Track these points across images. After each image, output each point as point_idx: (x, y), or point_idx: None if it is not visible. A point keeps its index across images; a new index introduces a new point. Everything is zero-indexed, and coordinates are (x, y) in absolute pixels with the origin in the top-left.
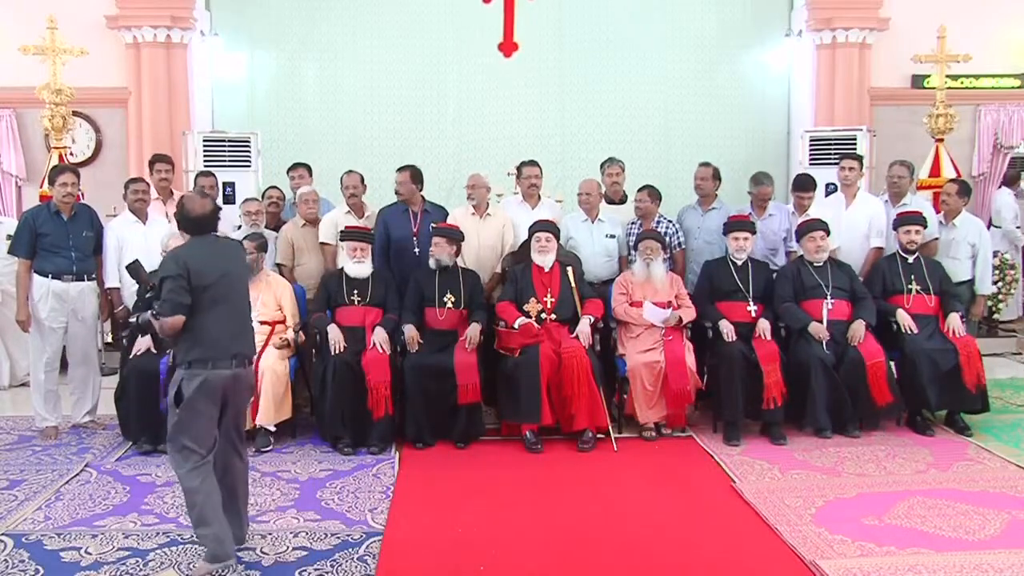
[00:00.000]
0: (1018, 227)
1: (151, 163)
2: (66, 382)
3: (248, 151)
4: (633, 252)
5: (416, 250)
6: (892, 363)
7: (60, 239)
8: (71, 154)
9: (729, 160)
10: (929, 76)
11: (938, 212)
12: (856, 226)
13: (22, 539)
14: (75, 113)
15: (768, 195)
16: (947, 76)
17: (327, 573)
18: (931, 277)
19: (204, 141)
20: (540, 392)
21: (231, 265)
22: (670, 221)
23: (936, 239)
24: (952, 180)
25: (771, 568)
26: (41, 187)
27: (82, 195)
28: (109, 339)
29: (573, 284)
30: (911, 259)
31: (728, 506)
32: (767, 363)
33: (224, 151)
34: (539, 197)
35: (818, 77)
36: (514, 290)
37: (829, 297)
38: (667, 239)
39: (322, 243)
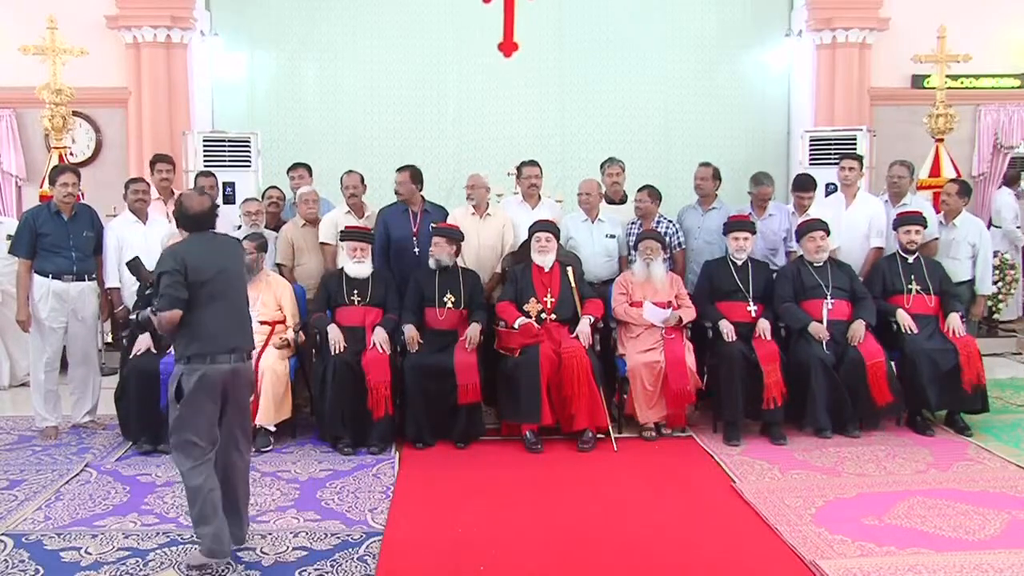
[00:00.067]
0: (1018, 227)
1: (152, 163)
2: (66, 382)
3: (248, 151)
4: (633, 252)
5: (416, 250)
6: (892, 363)
7: (60, 239)
8: (71, 154)
9: (729, 160)
10: (929, 76)
11: (938, 212)
12: (856, 226)
13: (22, 539)
14: (75, 113)
15: (768, 195)
16: (947, 76)
17: (327, 573)
18: (931, 277)
19: (204, 141)
20: (540, 392)
21: (229, 261)
22: (670, 221)
23: (936, 239)
24: (952, 180)
25: (771, 568)
26: (41, 187)
27: (82, 195)
28: (109, 339)
29: (573, 284)
30: (911, 259)
31: (728, 506)
32: (767, 363)
33: (224, 151)
34: (539, 197)
35: (818, 77)
36: (514, 290)
37: (829, 297)
38: (667, 239)
39: (322, 243)
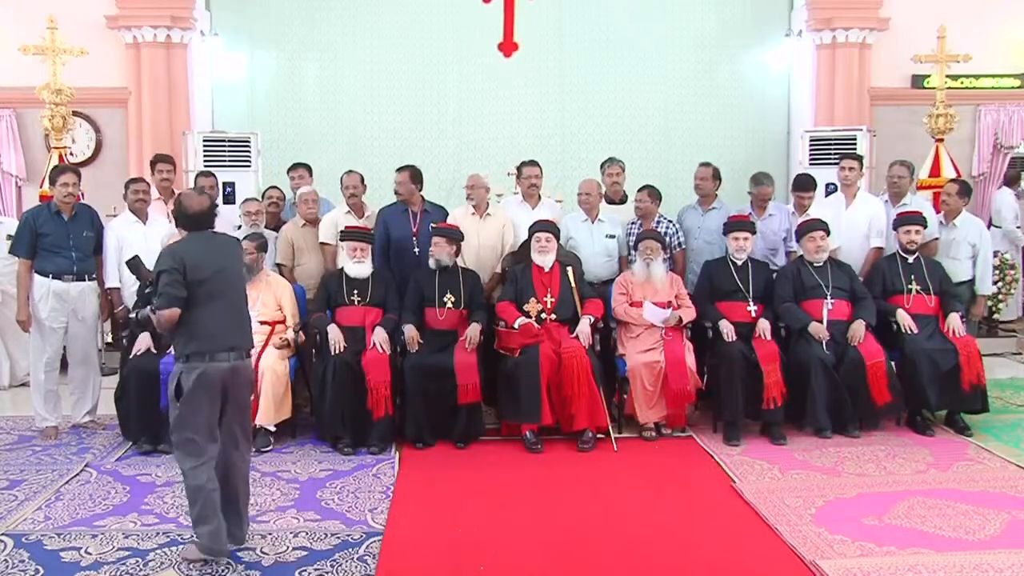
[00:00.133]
0: (1019, 227)
1: (153, 163)
2: (66, 382)
3: (248, 151)
4: (633, 252)
5: (416, 250)
6: (892, 363)
7: (61, 239)
8: (71, 154)
9: (729, 160)
10: (929, 76)
11: (938, 212)
12: (856, 226)
13: (22, 539)
14: (75, 113)
15: (768, 195)
16: (947, 76)
17: (327, 573)
18: (931, 277)
19: (204, 141)
20: (540, 392)
21: (227, 261)
22: (670, 221)
23: (936, 239)
24: (952, 180)
25: (771, 568)
26: (41, 187)
27: (82, 195)
28: (109, 339)
29: (573, 284)
30: (911, 259)
31: (728, 506)
32: (767, 363)
33: (224, 151)
34: (539, 197)
35: (818, 77)
36: (514, 290)
37: (829, 297)
38: (667, 239)
39: (322, 243)
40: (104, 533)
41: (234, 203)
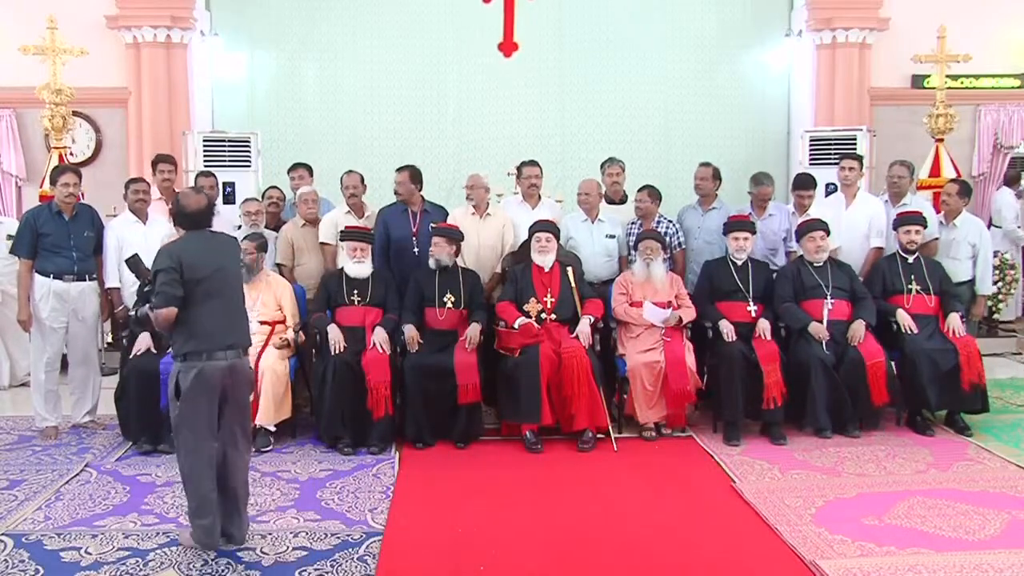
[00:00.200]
0: (1019, 226)
1: (154, 163)
2: (66, 382)
3: (248, 151)
4: (633, 252)
5: (416, 250)
6: (892, 363)
7: (61, 239)
8: (71, 154)
9: (729, 160)
10: (929, 76)
11: (938, 212)
12: (856, 226)
13: (22, 539)
14: (75, 113)
15: (768, 195)
16: (947, 76)
17: (327, 573)
18: (931, 277)
19: (204, 141)
20: (540, 392)
21: (225, 259)
22: (670, 221)
23: (936, 239)
24: (953, 180)
25: (771, 568)
26: (41, 187)
27: (82, 195)
28: (109, 339)
29: (573, 284)
30: (911, 259)
31: (728, 506)
32: (767, 363)
33: (224, 151)
34: (539, 197)
35: (818, 77)
36: (514, 290)
37: (829, 297)
38: (667, 239)
39: (322, 243)
40: (104, 533)
41: (234, 203)
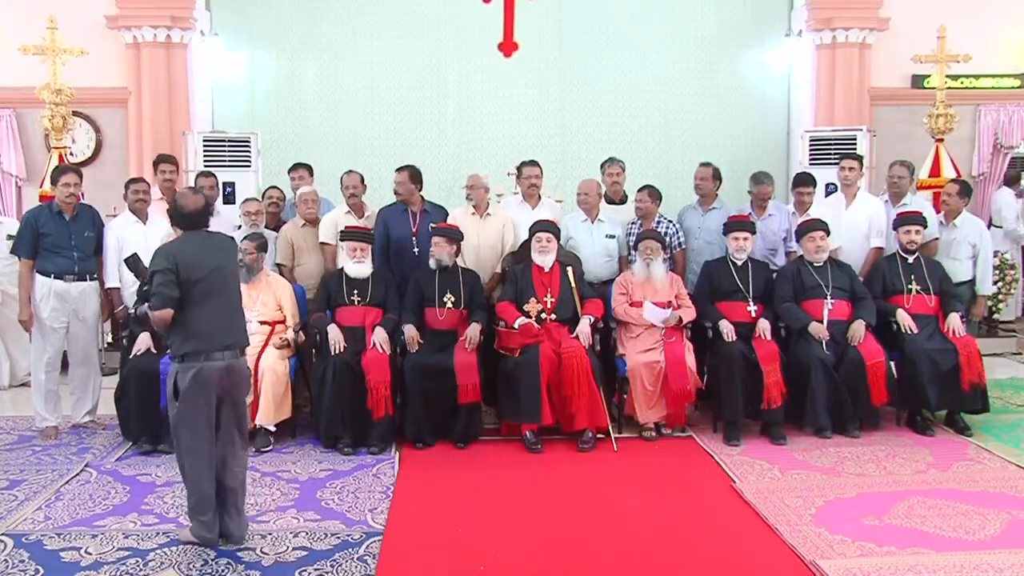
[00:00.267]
0: (1021, 226)
1: (155, 163)
2: (66, 382)
3: (248, 151)
4: (633, 252)
5: (415, 250)
6: (892, 363)
7: (62, 239)
8: (71, 154)
9: (729, 160)
10: (929, 76)
11: (938, 212)
12: (856, 226)
13: (22, 539)
14: (75, 113)
15: (768, 194)
16: (947, 76)
17: (327, 573)
18: (931, 277)
19: (204, 141)
20: (540, 392)
21: (222, 259)
22: (670, 221)
23: (936, 239)
24: (953, 180)
25: (771, 568)
26: (41, 187)
27: (82, 195)
28: (109, 339)
29: (573, 284)
30: (911, 259)
31: (728, 506)
32: (767, 363)
33: (224, 151)
34: (539, 197)
35: (818, 77)
36: (514, 290)
37: (829, 297)
38: (667, 239)
39: (322, 243)
40: (104, 533)
41: (234, 203)
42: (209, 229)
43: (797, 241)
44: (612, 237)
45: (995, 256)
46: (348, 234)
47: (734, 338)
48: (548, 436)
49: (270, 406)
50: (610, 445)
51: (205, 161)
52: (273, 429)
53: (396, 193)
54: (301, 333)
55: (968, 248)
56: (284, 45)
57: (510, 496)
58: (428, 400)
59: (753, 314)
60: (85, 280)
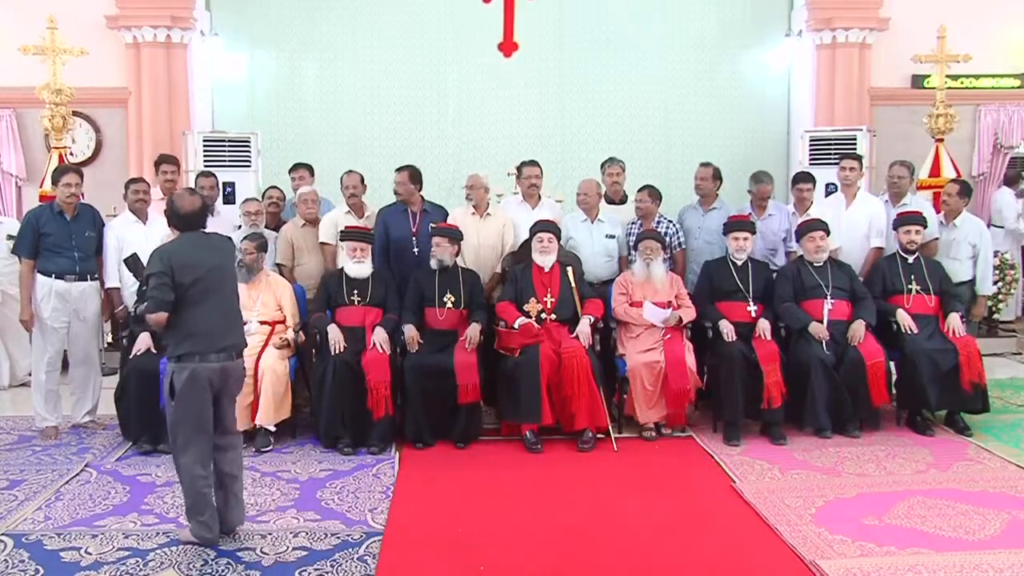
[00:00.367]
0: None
1: (157, 163)
2: (67, 382)
3: (248, 151)
4: (633, 252)
5: (416, 250)
6: (892, 363)
7: (63, 239)
8: (71, 154)
9: (729, 160)
10: (929, 76)
11: (938, 212)
12: (856, 226)
13: (22, 539)
14: (75, 113)
15: (767, 193)
16: (947, 76)
17: (327, 573)
18: (931, 277)
19: (204, 141)
20: (540, 392)
21: (219, 260)
22: (670, 221)
23: (936, 239)
24: (953, 180)
25: (771, 568)
26: (41, 187)
27: (82, 195)
28: (109, 339)
29: (573, 284)
30: (911, 259)
31: (728, 506)
32: (767, 363)
33: (224, 151)
34: (539, 197)
35: (818, 77)
36: (514, 290)
37: (829, 297)
38: (667, 239)
39: (322, 243)
40: (104, 533)
41: (234, 203)
42: (206, 230)
43: (797, 241)
44: (612, 237)
45: (995, 256)
46: (348, 234)
47: (734, 338)
48: (548, 436)
49: (270, 406)
50: (610, 445)
51: (205, 161)
52: (273, 429)
53: (396, 193)
54: (301, 333)
55: (968, 248)
56: (284, 45)
57: (510, 496)
58: (428, 400)
59: (753, 314)
60: (86, 280)
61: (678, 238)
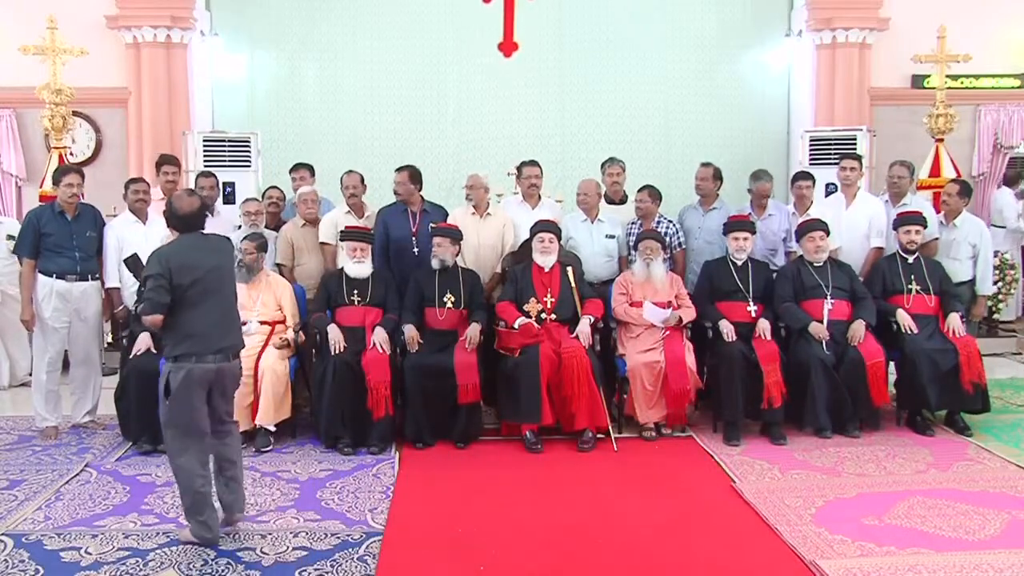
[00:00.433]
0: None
1: (158, 164)
2: (67, 382)
3: (248, 151)
4: (633, 252)
5: (415, 250)
6: (892, 363)
7: (64, 239)
8: (71, 154)
9: (729, 160)
10: (929, 76)
11: (938, 212)
12: (856, 226)
13: (22, 539)
14: (75, 113)
15: (767, 192)
16: (947, 76)
17: (327, 573)
18: (931, 277)
19: (204, 141)
20: (540, 392)
21: (218, 260)
22: (670, 221)
23: (936, 239)
24: (953, 180)
25: (771, 568)
26: (41, 187)
27: (82, 195)
28: (109, 339)
29: (573, 284)
30: (911, 259)
31: (728, 506)
32: (767, 363)
33: (224, 151)
34: (539, 197)
35: (818, 77)
36: (514, 290)
37: (829, 297)
38: (667, 239)
39: (322, 243)
40: (104, 533)
41: (234, 203)
42: (205, 231)
43: (797, 241)
44: (612, 237)
45: (995, 256)
46: (348, 234)
47: (734, 338)
48: (548, 436)
49: (270, 406)
50: (610, 445)
51: (205, 161)
52: (273, 429)
53: (396, 193)
54: (301, 333)
55: (968, 248)
56: (284, 45)
57: (510, 496)
58: (428, 400)
59: (753, 314)
60: (87, 280)
61: (678, 238)
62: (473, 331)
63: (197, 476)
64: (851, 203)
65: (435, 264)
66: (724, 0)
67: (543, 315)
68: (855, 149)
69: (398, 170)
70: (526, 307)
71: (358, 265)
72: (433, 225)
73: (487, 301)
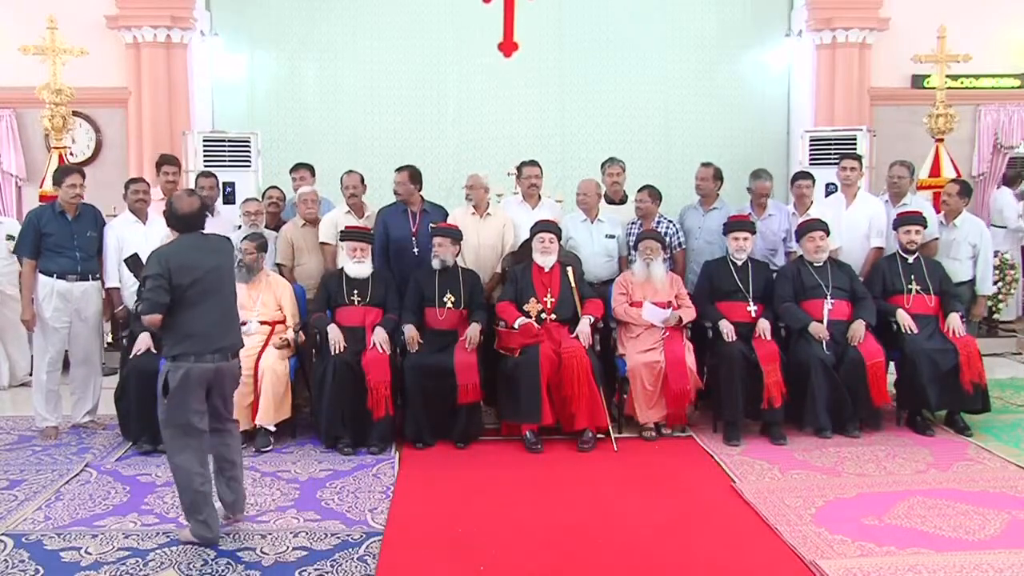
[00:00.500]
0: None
1: (158, 165)
2: (67, 382)
3: (248, 151)
4: (633, 252)
5: (415, 250)
6: (892, 363)
7: (64, 239)
8: (71, 154)
9: (729, 160)
10: (929, 76)
11: (938, 212)
12: (856, 226)
13: (22, 539)
14: (75, 113)
15: (767, 191)
16: (947, 76)
17: (327, 573)
18: (931, 277)
19: (204, 141)
20: (540, 392)
21: (218, 260)
22: (670, 221)
23: (936, 239)
24: (953, 180)
25: (771, 568)
26: (41, 187)
27: (82, 195)
28: (109, 339)
29: (573, 284)
30: (911, 259)
31: (728, 506)
32: (767, 363)
33: (224, 151)
34: (539, 197)
35: (818, 77)
36: (514, 290)
37: (829, 297)
38: (667, 239)
39: (322, 243)
40: (104, 533)
41: (234, 203)
42: (205, 231)
43: (797, 241)
44: (612, 237)
45: (995, 256)
46: (348, 234)
47: (734, 338)
48: (548, 436)
49: (270, 406)
50: (610, 445)
51: (205, 161)
52: (273, 429)
53: (396, 193)
54: (301, 333)
55: (968, 248)
56: (284, 45)
57: (510, 496)
58: (428, 400)
59: (753, 314)
60: (88, 280)
61: (678, 238)
62: (473, 331)
63: (196, 475)
64: (851, 203)
65: (436, 264)
66: (724, 0)
67: (543, 315)
68: (855, 149)
69: (398, 170)
70: (526, 307)
71: (358, 265)
72: (433, 225)
73: (487, 301)
